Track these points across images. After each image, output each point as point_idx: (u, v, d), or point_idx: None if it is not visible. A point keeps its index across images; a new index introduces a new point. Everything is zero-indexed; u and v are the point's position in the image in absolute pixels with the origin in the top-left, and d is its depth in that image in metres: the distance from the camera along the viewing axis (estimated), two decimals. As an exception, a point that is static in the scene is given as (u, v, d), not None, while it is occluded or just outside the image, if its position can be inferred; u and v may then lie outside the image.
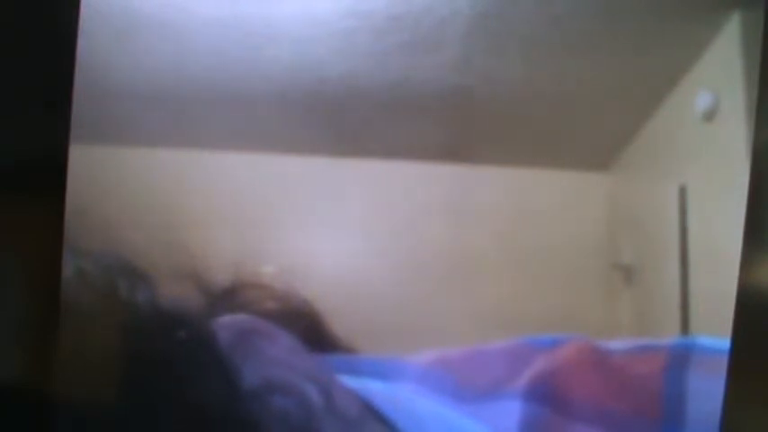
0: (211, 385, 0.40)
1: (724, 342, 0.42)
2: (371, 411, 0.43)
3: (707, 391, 0.43)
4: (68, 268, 0.40)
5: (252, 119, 0.77)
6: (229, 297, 0.51)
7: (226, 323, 0.44)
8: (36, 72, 0.40)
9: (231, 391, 0.40)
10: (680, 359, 0.45)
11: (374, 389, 0.46)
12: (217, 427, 0.40)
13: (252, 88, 0.75)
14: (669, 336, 0.73)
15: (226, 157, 0.78)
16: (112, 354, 0.40)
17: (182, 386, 0.40)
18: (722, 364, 0.41)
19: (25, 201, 0.39)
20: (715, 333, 0.46)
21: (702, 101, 0.75)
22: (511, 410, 0.44)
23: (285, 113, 0.77)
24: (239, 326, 0.44)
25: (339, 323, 0.55)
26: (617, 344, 0.50)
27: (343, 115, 0.78)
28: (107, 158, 0.68)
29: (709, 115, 0.74)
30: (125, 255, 0.44)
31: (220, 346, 0.42)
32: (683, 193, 0.77)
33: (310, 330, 0.53)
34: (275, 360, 0.43)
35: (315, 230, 0.77)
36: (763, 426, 0.42)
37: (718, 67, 0.73)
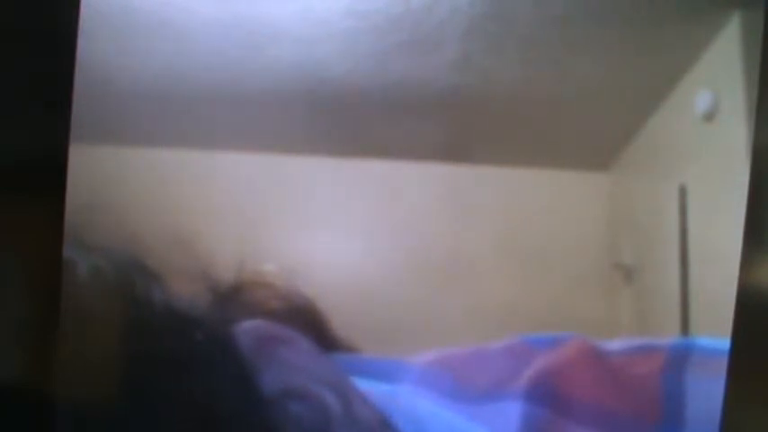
0: (228, 389, 0.40)
1: (723, 343, 0.42)
2: (385, 418, 0.43)
3: (706, 391, 0.43)
4: (83, 266, 0.40)
5: (252, 119, 0.77)
6: (233, 296, 0.51)
7: (245, 328, 0.44)
8: (36, 72, 0.40)
9: (249, 396, 0.40)
10: (679, 359, 0.45)
11: (376, 391, 0.46)
12: (233, 431, 0.40)
13: (252, 88, 0.75)
14: (669, 335, 0.73)
15: (226, 157, 0.78)
16: (125, 353, 0.40)
17: (197, 388, 0.40)
18: (720, 365, 0.41)
19: (25, 201, 0.39)
20: (715, 333, 0.46)
21: (702, 101, 0.75)
22: (511, 411, 0.44)
23: (286, 113, 0.77)
24: (258, 331, 0.44)
25: (340, 322, 0.55)
26: (616, 344, 0.50)
27: (344, 115, 0.78)
28: (108, 158, 0.68)
29: (709, 115, 0.74)
30: (127, 255, 0.44)
31: (239, 351, 0.42)
32: (683, 193, 0.77)
33: (313, 329, 0.53)
34: (294, 366, 0.43)
35: (315, 230, 0.77)
36: (763, 426, 0.42)
37: (719, 67, 0.73)
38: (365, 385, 0.46)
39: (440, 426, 0.45)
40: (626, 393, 0.45)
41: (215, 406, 0.39)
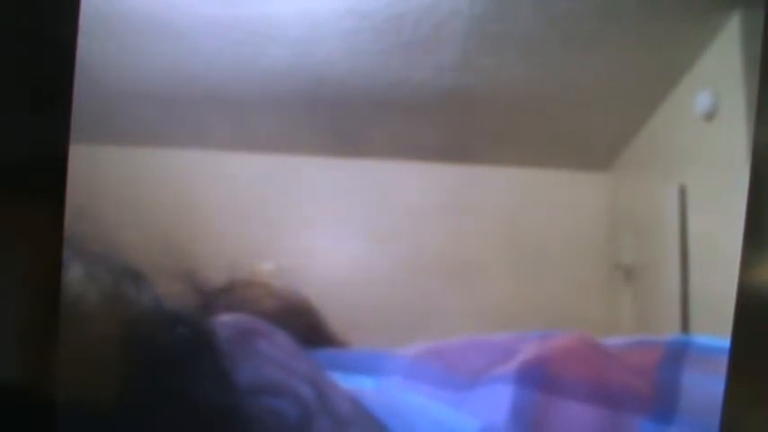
0: (208, 383, 0.40)
1: (720, 341, 0.42)
2: (364, 412, 0.43)
3: (701, 387, 0.43)
4: (74, 269, 0.40)
5: (252, 119, 0.77)
6: (228, 295, 0.51)
7: (224, 322, 0.44)
8: (36, 72, 0.40)
9: (227, 390, 0.40)
10: (675, 355, 0.45)
11: (363, 387, 0.46)
12: (213, 425, 0.40)
13: (252, 88, 0.75)
14: (669, 335, 0.73)
15: (225, 157, 0.78)
16: (115, 353, 0.41)
17: (179, 384, 0.40)
18: (718, 363, 0.41)
19: (25, 201, 0.39)
20: (715, 333, 0.46)
21: (702, 101, 0.75)
22: (502, 395, 0.44)
23: (285, 113, 0.77)
24: (238, 325, 0.45)
25: (338, 321, 0.55)
26: (614, 340, 0.49)
27: (343, 115, 0.78)
28: (107, 158, 0.68)
29: (709, 115, 0.74)
30: (125, 254, 0.44)
31: (218, 345, 0.42)
32: (683, 193, 0.77)
33: (308, 328, 0.53)
34: (272, 360, 0.43)
35: (314, 230, 0.77)
36: (763, 426, 0.42)
37: (718, 67, 0.73)
38: (352, 381, 0.46)
39: (426, 417, 0.45)
40: (621, 377, 0.45)
41: (193, 399, 0.39)
